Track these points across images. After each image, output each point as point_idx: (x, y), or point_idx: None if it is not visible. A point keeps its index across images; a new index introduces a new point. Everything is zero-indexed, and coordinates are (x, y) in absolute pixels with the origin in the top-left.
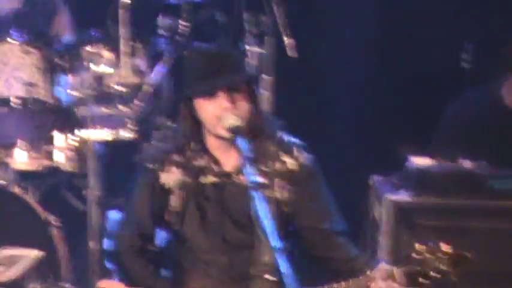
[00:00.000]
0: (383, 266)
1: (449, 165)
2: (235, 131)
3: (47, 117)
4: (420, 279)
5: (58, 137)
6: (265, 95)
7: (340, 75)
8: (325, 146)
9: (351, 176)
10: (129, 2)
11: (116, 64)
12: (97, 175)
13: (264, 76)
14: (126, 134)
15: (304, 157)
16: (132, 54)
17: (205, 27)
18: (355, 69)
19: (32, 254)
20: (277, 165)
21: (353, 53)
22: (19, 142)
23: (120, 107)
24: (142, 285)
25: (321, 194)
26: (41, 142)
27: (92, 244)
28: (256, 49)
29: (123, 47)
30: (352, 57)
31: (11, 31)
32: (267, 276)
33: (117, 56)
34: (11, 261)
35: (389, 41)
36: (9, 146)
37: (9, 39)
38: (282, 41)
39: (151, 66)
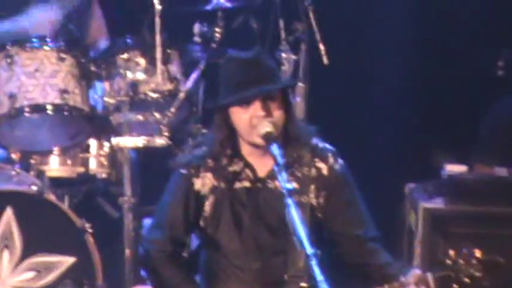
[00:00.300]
0: (416, 272)
1: (484, 173)
2: (269, 138)
3: (83, 125)
4: (454, 286)
5: (93, 145)
6: (299, 102)
7: (376, 83)
8: (361, 154)
9: (387, 184)
10: (165, 9)
11: (151, 71)
12: (132, 182)
13: (298, 83)
14: (161, 141)
15: (339, 164)
16: (168, 61)
17: (240, 34)
18: (391, 77)
19: (67, 261)
20: (312, 172)
21: (389, 60)
22: (55, 149)
23: (156, 114)
24: None
25: (354, 200)
26: (76, 149)
27: (127, 252)
28: (292, 56)
29: (158, 54)
30: (387, 65)
31: (46, 38)
32: (300, 282)
33: (153, 63)
34: (46, 268)
35: (425, 49)
36: (45, 154)
37: (45, 47)
38: (317, 48)
39: (187, 73)
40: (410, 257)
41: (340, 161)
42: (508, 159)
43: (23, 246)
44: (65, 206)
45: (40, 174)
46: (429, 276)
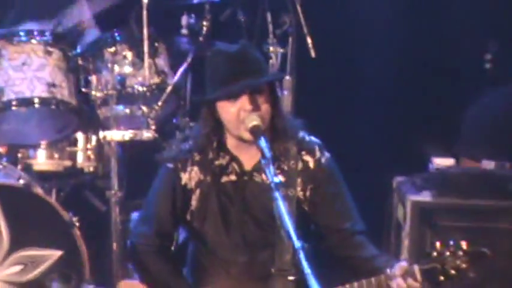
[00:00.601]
0: (403, 265)
1: (471, 166)
2: (257, 132)
3: (70, 118)
4: (440, 278)
5: (81, 138)
6: (286, 96)
7: (363, 76)
8: (348, 147)
9: (375, 177)
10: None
11: (138, 65)
12: (119, 176)
13: (286, 77)
14: (148, 135)
15: (325, 157)
16: (155, 55)
17: (228, 28)
18: (378, 71)
19: (55, 255)
20: (299, 165)
21: (375, 53)
22: (42, 143)
23: (143, 107)
24: (161, 284)
25: (341, 193)
26: (63, 143)
27: (114, 245)
28: (279, 50)
29: (145, 47)
30: (374, 58)
31: (34, 32)
32: (287, 275)
33: (140, 57)
34: (33, 262)
35: (412, 42)
36: (32, 147)
37: (32, 40)
38: (304, 42)
39: (174, 66)
40: (398, 250)
41: (327, 154)
42: (495, 152)
43: (10, 240)
44: (52, 199)
45: (27, 168)
46: (416, 268)
